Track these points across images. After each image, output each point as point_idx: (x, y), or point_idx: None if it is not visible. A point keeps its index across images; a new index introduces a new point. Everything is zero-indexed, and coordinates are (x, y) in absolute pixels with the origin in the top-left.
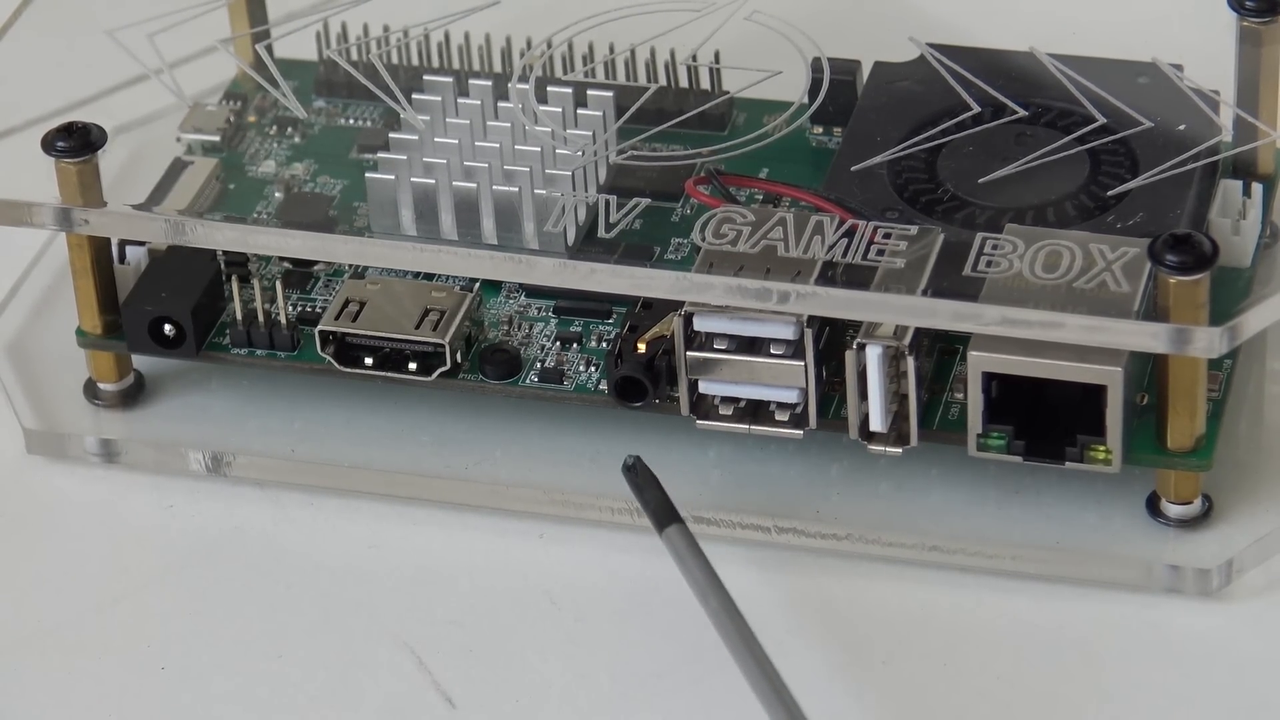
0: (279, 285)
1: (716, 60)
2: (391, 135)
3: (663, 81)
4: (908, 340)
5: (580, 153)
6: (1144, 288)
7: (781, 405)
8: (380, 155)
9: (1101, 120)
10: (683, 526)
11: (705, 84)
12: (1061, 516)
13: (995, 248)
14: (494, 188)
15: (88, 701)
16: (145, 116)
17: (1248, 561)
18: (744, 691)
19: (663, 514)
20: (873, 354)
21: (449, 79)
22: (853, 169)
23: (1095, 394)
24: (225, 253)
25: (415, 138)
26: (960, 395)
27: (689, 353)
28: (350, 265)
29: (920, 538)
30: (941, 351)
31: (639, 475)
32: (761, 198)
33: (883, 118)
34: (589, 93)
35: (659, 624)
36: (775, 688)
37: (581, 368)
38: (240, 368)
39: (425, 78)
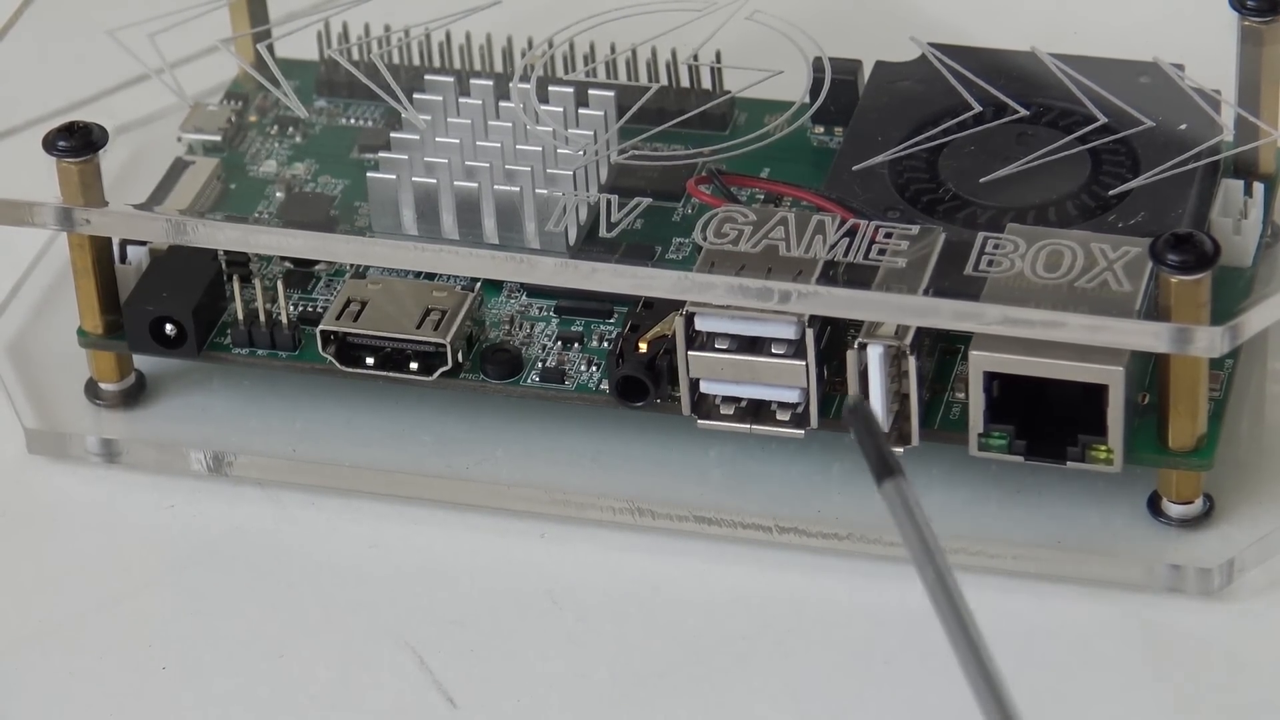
0: (280, 285)
1: (718, 60)
2: (393, 135)
3: (664, 81)
4: (909, 340)
5: (581, 152)
6: (1145, 287)
7: (783, 405)
8: (381, 155)
9: (1103, 120)
10: (903, 480)
11: (706, 84)
12: (1062, 516)
13: (996, 247)
14: (495, 187)
15: (88, 701)
16: (146, 116)
17: (1249, 561)
18: (744, 691)
19: (881, 466)
20: (874, 353)
21: (450, 79)
22: (854, 168)
23: (1096, 393)
24: (226, 252)
25: (416, 137)
26: (961, 395)
27: (690, 352)
28: (351, 265)
29: None
30: (943, 351)
31: (862, 420)
32: (763, 197)
33: (884, 117)
34: (590, 92)
35: (659, 624)
36: (983, 662)
37: (583, 367)
38: (241, 367)
39: (426, 77)
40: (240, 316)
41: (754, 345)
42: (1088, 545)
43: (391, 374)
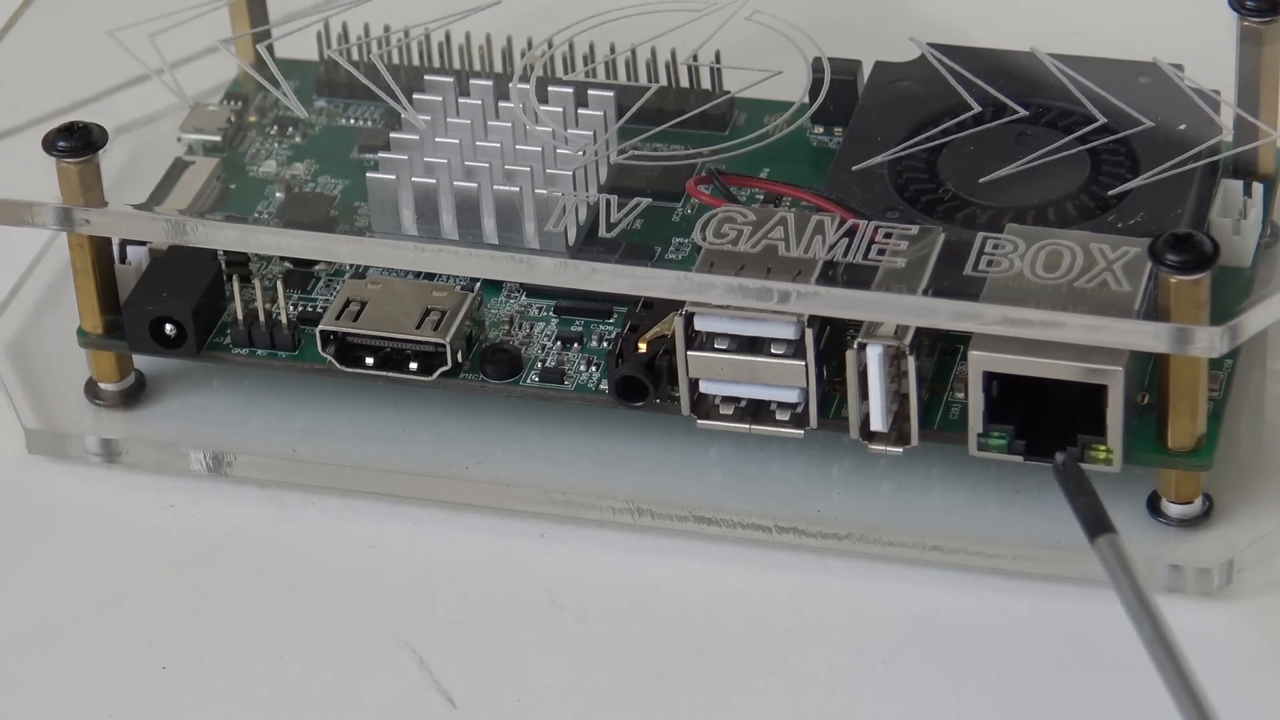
0: (280, 285)
1: (717, 60)
2: (392, 135)
3: (663, 81)
4: (908, 340)
5: (581, 152)
6: (1145, 287)
7: (782, 405)
8: (381, 155)
9: (1102, 120)
10: (1115, 537)
11: (706, 84)
12: (1062, 516)
13: (996, 247)
14: (495, 187)
15: (88, 701)
16: (146, 116)
17: (1249, 561)
18: (744, 691)
19: (1094, 522)
20: (873, 354)
21: (450, 79)
22: (853, 169)
23: (1096, 393)
24: (226, 252)
25: (416, 138)
26: (961, 395)
27: (690, 352)
28: (351, 265)
29: (921, 538)
30: (942, 351)
31: (1071, 477)
32: (762, 197)
33: (883, 117)
34: (590, 92)
35: (659, 624)
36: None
37: (582, 367)
38: (241, 367)
39: (426, 77)
40: (240, 316)
41: (753, 345)
42: (1088, 545)
43: (391, 374)
